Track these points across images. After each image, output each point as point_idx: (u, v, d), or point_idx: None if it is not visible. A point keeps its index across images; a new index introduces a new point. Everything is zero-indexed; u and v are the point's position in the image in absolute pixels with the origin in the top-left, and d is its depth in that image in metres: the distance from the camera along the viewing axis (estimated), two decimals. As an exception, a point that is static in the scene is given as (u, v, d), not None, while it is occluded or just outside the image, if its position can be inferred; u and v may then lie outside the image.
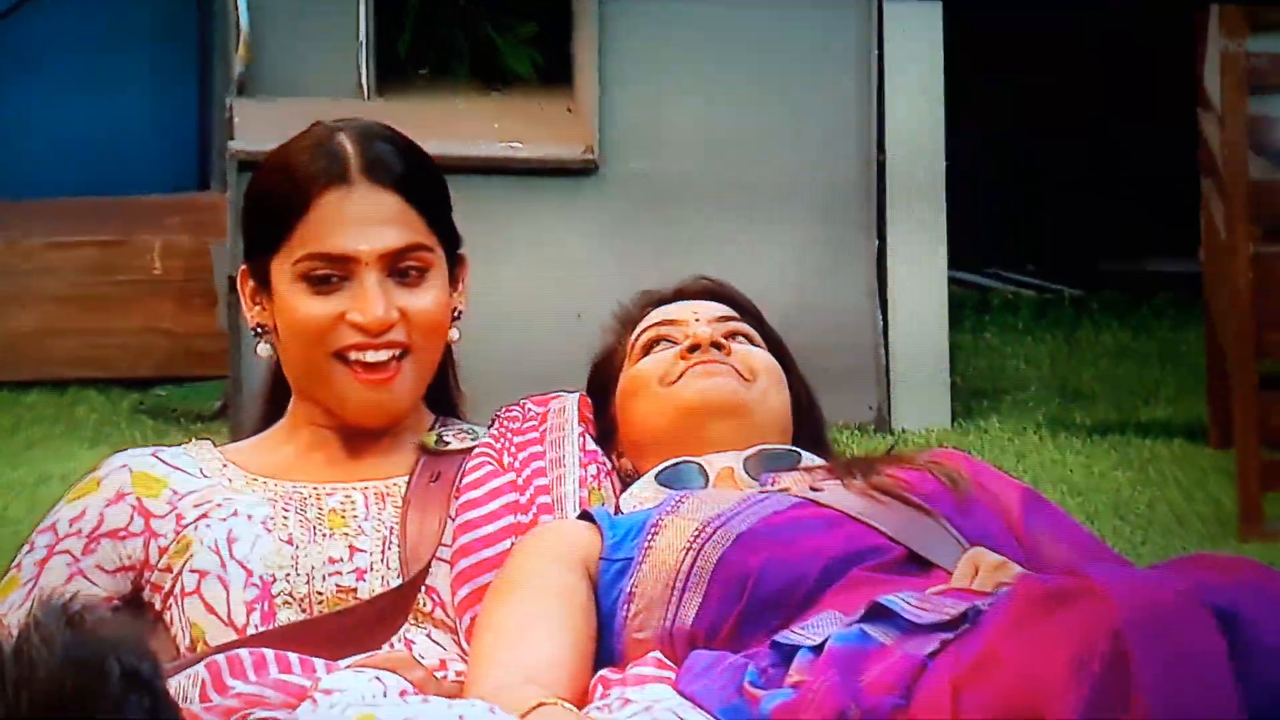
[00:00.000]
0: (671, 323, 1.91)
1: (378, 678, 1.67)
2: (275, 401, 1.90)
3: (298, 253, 1.81)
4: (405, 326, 1.82)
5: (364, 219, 1.81)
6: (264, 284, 1.84)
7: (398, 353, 1.82)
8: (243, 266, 1.87)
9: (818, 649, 1.61)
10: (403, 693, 1.68)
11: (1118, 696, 1.44)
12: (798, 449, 1.87)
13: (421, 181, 1.84)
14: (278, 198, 1.82)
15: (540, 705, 1.64)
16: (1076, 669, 1.44)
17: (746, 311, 1.94)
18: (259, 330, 1.85)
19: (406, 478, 1.85)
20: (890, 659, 1.56)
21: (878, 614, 1.61)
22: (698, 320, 1.90)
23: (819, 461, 1.87)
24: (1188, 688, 1.44)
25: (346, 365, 1.82)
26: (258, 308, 1.85)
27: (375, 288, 1.80)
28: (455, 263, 1.87)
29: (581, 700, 1.71)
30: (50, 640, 1.34)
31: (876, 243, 3.72)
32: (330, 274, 1.81)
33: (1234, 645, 1.45)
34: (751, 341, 1.92)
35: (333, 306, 1.81)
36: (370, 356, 1.81)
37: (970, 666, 1.51)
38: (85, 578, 1.79)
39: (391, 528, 1.82)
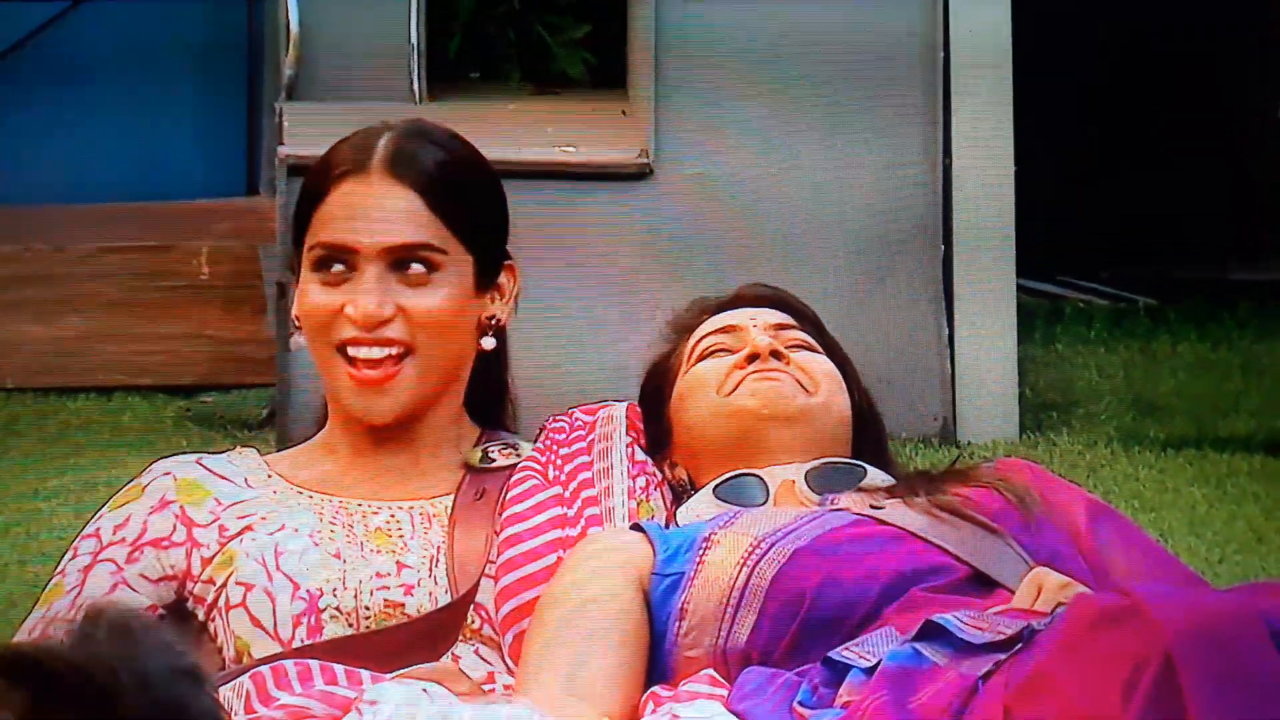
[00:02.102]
0: (729, 330, 1.88)
1: (424, 689, 1.65)
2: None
3: (310, 240, 1.81)
4: (406, 325, 1.79)
5: (371, 212, 1.79)
6: (299, 275, 1.84)
7: (395, 351, 1.79)
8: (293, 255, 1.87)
9: (870, 670, 1.58)
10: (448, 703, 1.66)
11: (1170, 717, 1.41)
12: (862, 463, 1.83)
13: (450, 183, 1.81)
14: (308, 186, 1.82)
15: None
16: (1126, 692, 1.42)
17: (806, 319, 1.91)
18: (298, 322, 1.84)
19: (451, 497, 1.82)
20: (943, 680, 1.53)
21: (932, 632, 1.58)
22: (755, 327, 1.87)
23: (883, 476, 1.82)
24: (1242, 704, 1.41)
25: (348, 361, 1.80)
26: (297, 299, 1.85)
27: (372, 282, 1.78)
28: (496, 271, 1.83)
29: (632, 716, 1.69)
30: (152, 649, 1.32)
31: (942, 249, 3.64)
32: (336, 264, 1.79)
33: None
34: (811, 350, 1.88)
35: (336, 298, 1.79)
36: (365, 353, 1.79)
37: (1022, 689, 1.49)
38: (129, 586, 1.79)
39: (438, 546, 1.80)
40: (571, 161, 3.63)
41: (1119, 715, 1.41)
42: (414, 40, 3.85)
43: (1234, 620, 1.42)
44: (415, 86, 3.84)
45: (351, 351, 1.79)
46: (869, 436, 1.86)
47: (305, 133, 3.60)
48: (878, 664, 1.57)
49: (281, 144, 3.65)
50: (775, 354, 1.83)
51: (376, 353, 1.78)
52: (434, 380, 1.81)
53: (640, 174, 3.63)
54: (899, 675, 1.53)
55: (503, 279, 1.84)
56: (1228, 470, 3.47)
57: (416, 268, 1.78)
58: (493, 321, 1.83)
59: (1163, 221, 4.42)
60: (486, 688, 1.73)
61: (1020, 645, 1.52)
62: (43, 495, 3.39)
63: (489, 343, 1.82)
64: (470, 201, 1.81)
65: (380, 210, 1.78)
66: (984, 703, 1.49)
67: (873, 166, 3.64)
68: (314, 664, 1.69)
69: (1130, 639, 1.43)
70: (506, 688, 1.74)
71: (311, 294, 1.79)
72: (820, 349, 1.87)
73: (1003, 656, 1.52)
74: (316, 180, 1.80)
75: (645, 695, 1.70)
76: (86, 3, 4.25)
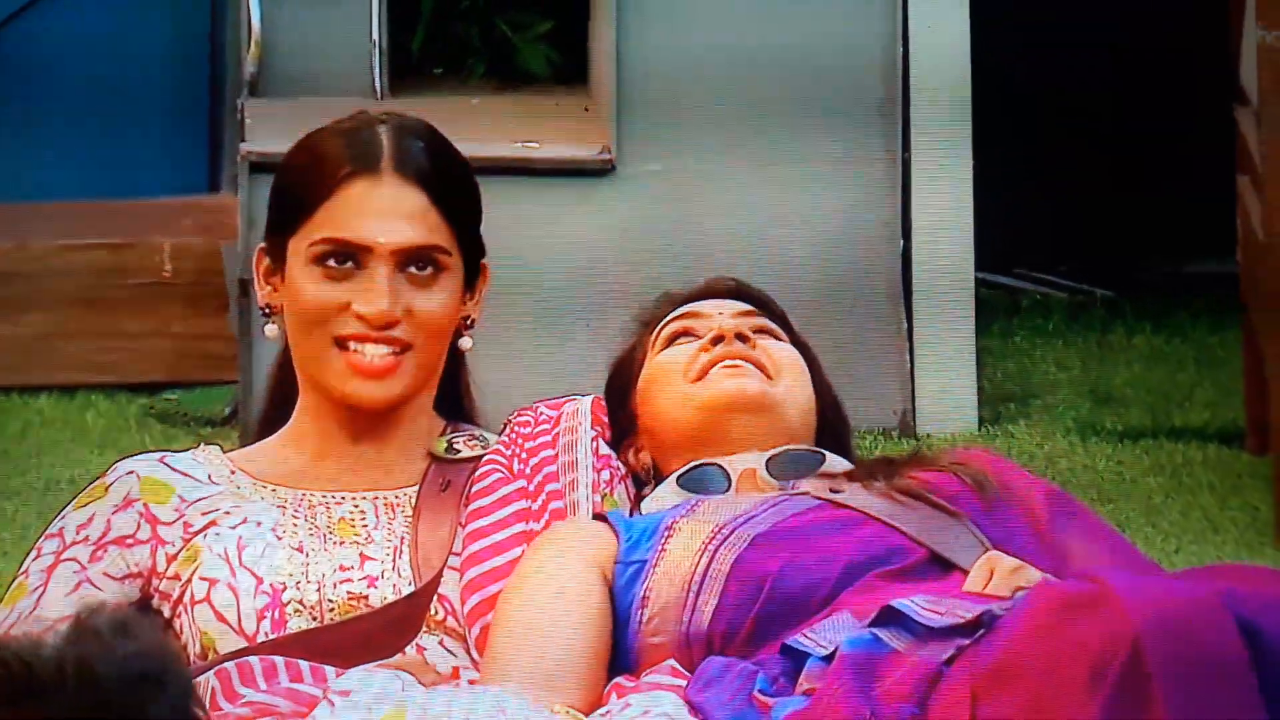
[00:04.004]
0: (694, 315, 1.88)
1: (395, 675, 1.66)
2: (280, 403, 1.89)
3: (315, 235, 1.81)
4: (410, 325, 1.81)
5: (386, 211, 1.80)
6: (278, 263, 1.84)
7: (396, 349, 1.81)
8: (261, 245, 1.86)
9: (828, 658, 1.58)
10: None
11: (1137, 704, 1.42)
12: (821, 450, 1.84)
13: (451, 184, 1.82)
14: (306, 178, 1.82)
15: (551, 713, 1.63)
16: (1094, 678, 1.43)
17: (772, 310, 1.92)
18: (267, 310, 1.85)
19: (416, 487, 1.83)
20: (906, 665, 1.54)
21: (890, 618, 1.58)
22: (721, 314, 1.88)
23: (843, 463, 1.84)
24: (1208, 693, 1.43)
25: (345, 351, 1.81)
26: (269, 287, 1.85)
27: (384, 281, 1.79)
28: (475, 272, 1.85)
29: (595, 705, 1.69)
30: (110, 651, 1.32)
31: (902, 242, 3.67)
32: (343, 260, 1.80)
33: (1255, 658, 1.43)
34: (776, 338, 1.89)
35: (340, 294, 1.80)
36: (370, 349, 1.80)
37: (988, 674, 1.49)
38: (92, 585, 1.79)
39: (402, 537, 1.81)
40: (534, 158, 3.64)
41: (1086, 703, 1.42)
42: (376, 36, 3.86)
43: (1200, 608, 1.43)
44: (377, 83, 3.85)
45: (354, 346, 1.80)
46: (831, 429, 1.87)
47: (268, 130, 3.60)
48: (835, 651, 1.58)
49: (244, 141, 3.65)
50: (740, 336, 1.83)
51: (381, 349, 1.79)
52: (427, 377, 1.83)
53: (603, 170, 3.65)
54: (861, 661, 1.54)
55: (479, 280, 1.85)
56: (1183, 460, 3.50)
57: (425, 269, 1.80)
58: (468, 322, 1.84)
59: (1119, 215, 4.46)
60: (453, 682, 1.73)
61: (983, 630, 1.53)
62: (5, 494, 3.39)
63: (467, 343, 1.84)
64: (465, 201, 1.82)
65: (394, 211, 1.79)
66: (949, 688, 1.49)
67: (833, 163, 3.67)
68: (279, 661, 1.70)
69: (1098, 627, 1.44)
70: (472, 682, 1.74)
71: (312, 288, 1.80)
72: (786, 339, 1.88)
73: (966, 641, 1.52)
74: (315, 175, 1.80)
75: (609, 686, 1.70)
76: (47, 0, 4.24)
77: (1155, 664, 1.41)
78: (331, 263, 1.80)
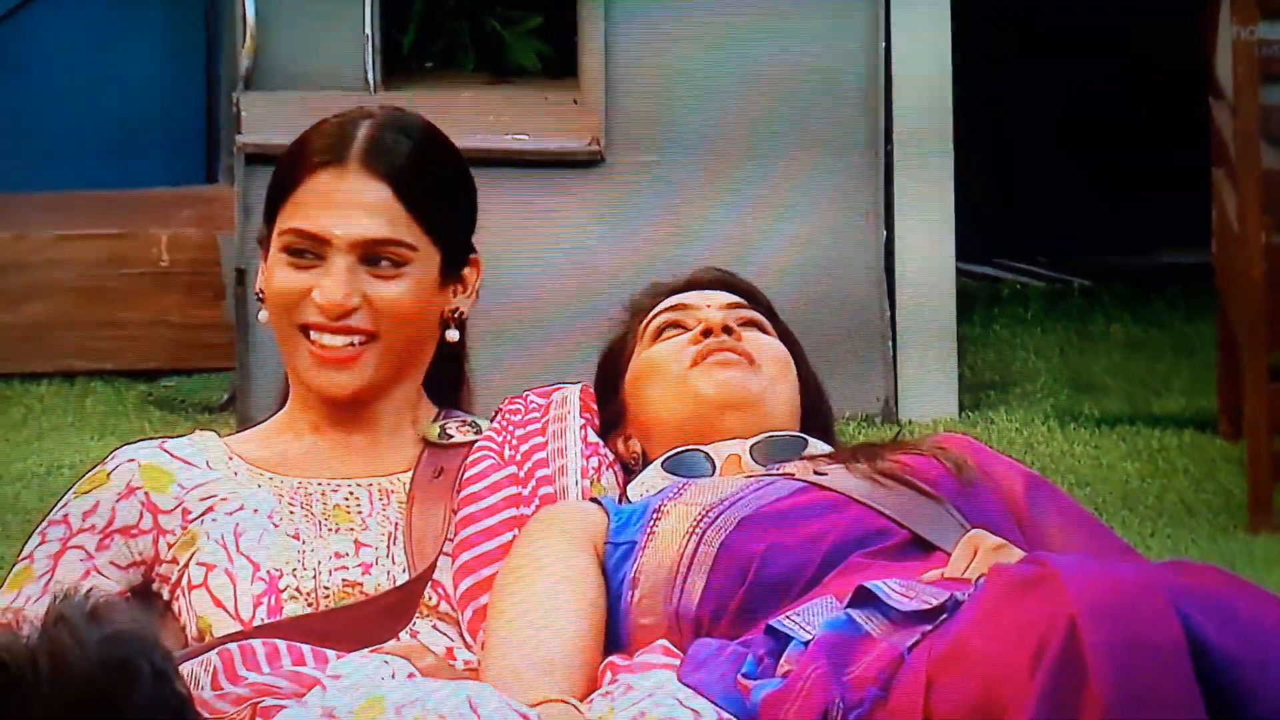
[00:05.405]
0: (683, 307, 1.91)
1: (385, 662, 1.69)
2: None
3: (283, 225, 1.84)
4: (370, 314, 1.82)
5: (346, 204, 1.81)
6: (266, 251, 1.87)
7: (358, 340, 1.83)
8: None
9: (810, 642, 1.61)
10: (410, 675, 1.69)
11: (1074, 684, 1.44)
12: (804, 435, 1.88)
13: (425, 178, 1.83)
14: (284, 169, 1.85)
15: (547, 701, 1.65)
16: (1034, 659, 1.45)
17: (757, 301, 1.95)
18: (260, 296, 1.87)
19: (409, 474, 1.86)
20: (875, 651, 1.57)
21: (865, 598, 1.61)
22: (709, 306, 1.90)
23: (825, 448, 1.87)
24: (1143, 673, 1.44)
25: (309, 340, 1.83)
26: (262, 275, 1.87)
27: (341, 272, 1.81)
28: (461, 265, 1.86)
29: (592, 685, 1.72)
30: (81, 640, 1.33)
31: (884, 233, 3.72)
32: (305, 250, 1.82)
33: (1189, 650, 1.45)
34: (762, 330, 1.92)
35: (304, 281, 1.82)
36: (328, 340, 1.82)
37: (942, 658, 1.52)
38: (100, 573, 1.80)
39: (396, 524, 1.83)
40: (524, 150, 3.67)
41: (1027, 682, 1.44)
42: (369, 31, 3.90)
43: (1137, 590, 1.45)
44: (370, 77, 3.89)
45: (314, 335, 1.82)
46: (816, 418, 1.90)
47: (263, 122, 3.64)
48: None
49: (239, 133, 3.70)
50: (727, 329, 1.86)
51: (339, 340, 1.81)
52: (394, 365, 1.84)
53: (592, 162, 3.68)
54: (836, 645, 1.57)
55: (466, 271, 1.86)
56: (1159, 446, 3.54)
57: (385, 263, 1.81)
58: (455, 314, 1.86)
59: (1097, 207, 4.51)
60: (449, 662, 1.75)
61: (945, 616, 1.56)
62: (8, 479, 3.42)
63: (454, 335, 1.85)
64: (442, 197, 1.84)
65: (354, 203, 1.80)
66: (908, 672, 1.53)
67: (818, 155, 3.70)
68: (281, 644, 1.72)
69: (1039, 607, 1.46)
70: (466, 663, 1.77)
71: (280, 275, 1.82)
72: (771, 330, 1.91)
73: (929, 628, 1.55)
74: (293, 164, 1.83)
75: (603, 665, 1.72)
76: (44, -2, 4.27)
77: (1091, 644, 1.43)
78: (296, 252, 1.82)
